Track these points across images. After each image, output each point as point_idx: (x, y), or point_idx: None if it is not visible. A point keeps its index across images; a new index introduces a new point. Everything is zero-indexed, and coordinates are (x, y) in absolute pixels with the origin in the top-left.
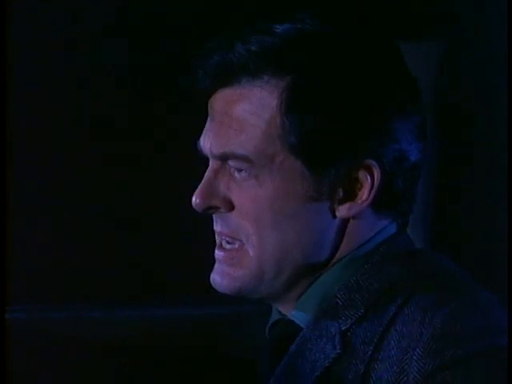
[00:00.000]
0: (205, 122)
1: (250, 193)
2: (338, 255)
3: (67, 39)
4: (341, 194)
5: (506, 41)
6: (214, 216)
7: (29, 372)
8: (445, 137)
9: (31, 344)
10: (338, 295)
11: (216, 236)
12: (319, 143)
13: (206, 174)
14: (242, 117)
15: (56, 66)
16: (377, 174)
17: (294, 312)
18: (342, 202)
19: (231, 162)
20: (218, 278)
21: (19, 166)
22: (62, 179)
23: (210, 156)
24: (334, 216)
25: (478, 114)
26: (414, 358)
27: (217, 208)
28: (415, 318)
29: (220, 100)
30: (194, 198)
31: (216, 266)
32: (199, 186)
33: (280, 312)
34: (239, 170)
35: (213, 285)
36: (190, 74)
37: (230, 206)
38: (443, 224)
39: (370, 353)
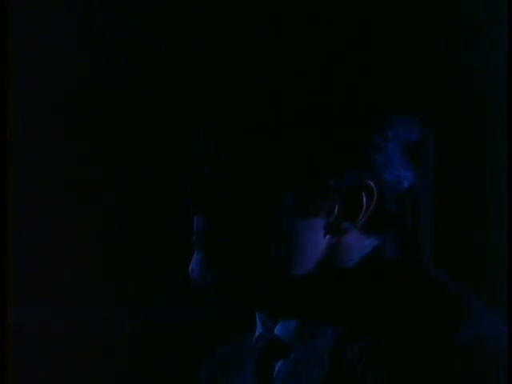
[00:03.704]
0: None
1: (247, 200)
2: (322, 269)
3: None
4: (337, 212)
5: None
6: (199, 218)
7: (29, 372)
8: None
9: (31, 343)
10: (323, 311)
11: (197, 236)
12: (319, 159)
13: (201, 175)
14: (249, 126)
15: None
16: (375, 195)
17: (279, 327)
18: (337, 220)
19: (229, 169)
20: (199, 271)
21: (19, 166)
22: (62, 180)
23: (205, 158)
24: (327, 233)
25: (479, 130)
26: (405, 374)
27: (208, 211)
28: (402, 332)
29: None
30: (186, 201)
31: (196, 256)
32: (192, 188)
33: (263, 323)
34: (236, 177)
35: (192, 276)
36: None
37: (222, 211)
38: (444, 239)
39: (360, 370)
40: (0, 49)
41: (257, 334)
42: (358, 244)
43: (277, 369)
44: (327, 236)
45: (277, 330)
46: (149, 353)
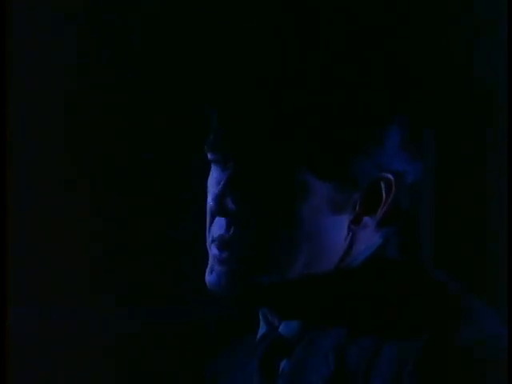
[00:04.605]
0: None
1: (269, 199)
2: (333, 266)
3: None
4: (359, 207)
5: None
6: (221, 219)
7: (29, 372)
8: (445, 153)
9: (31, 343)
10: (328, 310)
11: (215, 240)
12: (341, 155)
13: (225, 176)
14: (268, 125)
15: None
16: (393, 187)
17: (283, 326)
18: (359, 215)
19: (253, 169)
20: (226, 284)
21: (19, 166)
22: (62, 180)
23: (226, 158)
24: (348, 229)
25: (479, 129)
26: (406, 374)
27: (231, 212)
28: (403, 332)
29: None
30: (210, 201)
31: (215, 267)
32: (217, 189)
33: (267, 322)
34: (259, 176)
35: (211, 287)
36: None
37: (245, 211)
38: (444, 238)
39: (363, 369)
40: (0, 49)
41: (260, 333)
42: (366, 242)
43: (281, 368)
44: (347, 232)
45: (281, 328)
46: (149, 353)
